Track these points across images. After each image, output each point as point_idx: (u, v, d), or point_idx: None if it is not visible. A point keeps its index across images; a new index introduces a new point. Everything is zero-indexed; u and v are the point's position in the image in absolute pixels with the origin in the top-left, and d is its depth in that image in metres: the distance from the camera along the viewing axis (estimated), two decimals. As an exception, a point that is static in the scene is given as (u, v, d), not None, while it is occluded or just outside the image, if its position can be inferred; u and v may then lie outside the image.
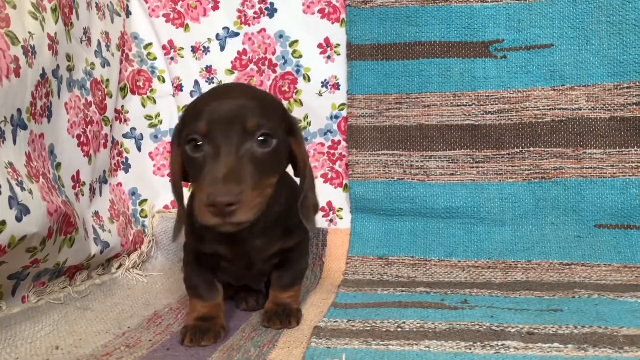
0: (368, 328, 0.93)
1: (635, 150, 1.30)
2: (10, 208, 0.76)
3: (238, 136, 0.77)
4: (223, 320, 0.94)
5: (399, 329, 0.92)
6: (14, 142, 0.86)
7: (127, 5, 1.46)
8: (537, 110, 1.35)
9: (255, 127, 0.78)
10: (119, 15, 1.40)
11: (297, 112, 1.46)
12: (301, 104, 1.46)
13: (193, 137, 0.78)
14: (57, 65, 1.03)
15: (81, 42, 1.17)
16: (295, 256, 1.02)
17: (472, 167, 1.38)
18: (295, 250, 1.01)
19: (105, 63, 1.29)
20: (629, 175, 1.31)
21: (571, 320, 0.95)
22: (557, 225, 1.34)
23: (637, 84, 1.30)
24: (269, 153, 0.79)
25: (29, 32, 0.91)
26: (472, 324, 0.94)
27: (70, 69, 1.11)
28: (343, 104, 1.45)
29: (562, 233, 1.33)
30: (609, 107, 1.32)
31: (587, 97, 1.33)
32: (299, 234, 0.99)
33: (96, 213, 1.19)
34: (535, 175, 1.35)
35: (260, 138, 0.78)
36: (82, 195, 1.13)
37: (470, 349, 0.83)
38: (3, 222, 0.75)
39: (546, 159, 1.35)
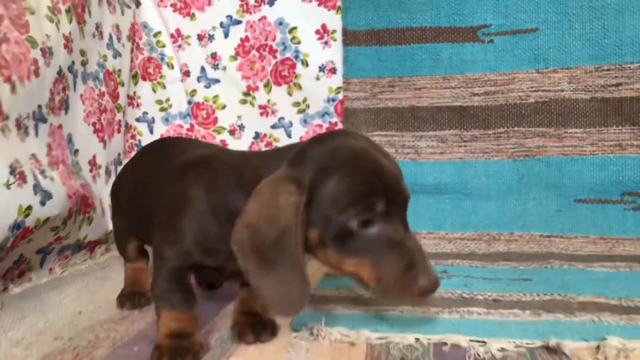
0: (353, 295, 1.04)
1: (613, 129, 1.38)
2: (35, 195, 0.88)
3: (404, 209, 0.75)
4: (200, 337, 0.83)
5: (379, 296, 1.04)
6: (36, 134, 0.98)
7: (137, -4, 1.56)
8: (522, 92, 1.43)
9: (409, 194, 0.76)
10: (129, 7, 1.50)
11: (296, 96, 1.57)
12: (300, 87, 1.56)
13: (367, 217, 0.71)
14: (72, 62, 1.14)
15: (94, 37, 1.28)
16: None
17: (461, 146, 1.48)
18: None
19: (117, 54, 1.40)
20: (607, 153, 1.39)
21: (536, 289, 1.05)
22: (539, 200, 1.43)
23: (617, 66, 1.37)
24: None
25: (47, 35, 1.02)
26: (446, 292, 1.05)
27: (84, 64, 1.22)
28: (339, 88, 1.55)
29: (544, 207, 1.42)
30: (590, 89, 1.40)
31: (570, 79, 1.41)
32: None
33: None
34: (519, 153, 1.44)
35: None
36: (99, 177, 1.26)
37: (438, 313, 0.94)
38: (29, 207, 0.87)
39: (530, 138, 1.43)
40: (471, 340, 0.81)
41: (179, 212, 0.80)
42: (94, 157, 1.25)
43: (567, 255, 1.29)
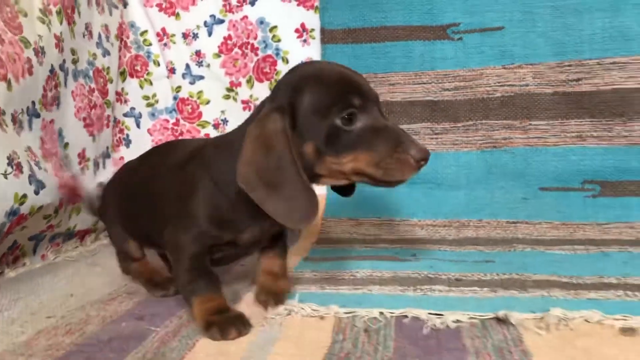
0: (327, 277, 1.12)
1: (574, 121, 1.47)
2: (30, 184, 0.96)
3: (378, 106, 0.83)
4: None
5: (352, 277, 1.12)
6: (30, 129, 1.05)
7: (124, -4, 1.63)
8: (489, 87, 1.52)
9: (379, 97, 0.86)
10: (117, 7, 1.57)
11: (277, 91, 1.64)
12: (281, 83, 1.64)
13: (350, 112, 0.78)
14: (64, 60, 1.21)
15: (84, 37, 1.35)
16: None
17: (432, 138, 1.56)
18: None
19: (105, 53, 1.47)
20: (569, 144, 1.48)
21: (497, 269, 1.13)
22: (506, 188, 1.52)
23: (577, 62, 1.46)
24: None
25: (39, 35, 1.09)
26: (413, 272, 1.13)
27: (75, 62, 1.29)
28: (318, 84, 1.62)
29: (510, 196, 1.51)
30: (553, 84, 1.48)
31: (534, 74, 1.49)
32: None
33: (100, 184, 1.39)
34: (487, 144, 1.53)
35: None
36: (88, 169, 1.33)
37: (403, 291, 1.02)
38: (25, 196, 0.95)
39: (497, 130, 1.52)
40: (430, 314, 0.89)
41: (188, 198, 0.89)
42: (84, 150, 1.32)
43: (530, 240, 1.38)
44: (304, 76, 0.83)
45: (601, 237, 1.37)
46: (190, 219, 0.88)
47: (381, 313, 0.91)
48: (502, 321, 0.87)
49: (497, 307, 0.89)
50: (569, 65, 1.47)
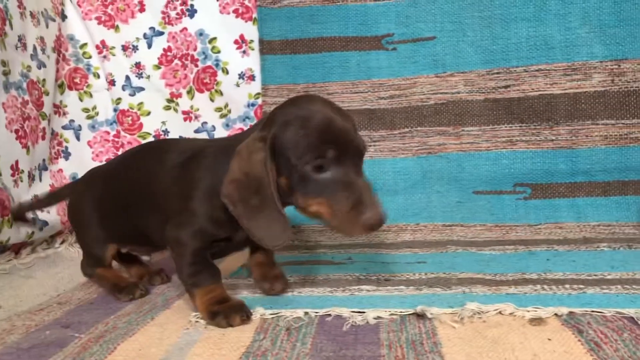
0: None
1: (505, 127, 1.53)
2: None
3: (357, 158, 0.87)
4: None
5: (286, 281, 1.14)
6: (-45, 140, 1.04)
7: (62, 10, 1.62)
8: (423, 95, 1.57)
9: (365, 146, 0.89)
10: (54, 20, 1.57)
11: (218, 102, 1.66)
12: (221, 94, 1.65)
13: (320, 162, 0.83)
14: (-7, 72, 1.21)
15: (16, 49, 1.34)
16: None
17: (370, 145, 1.59)
18: None
19: (41, 65, 1.46)
20: (500, 149, 1.53)
21: (426, 269, 1.17)
22: (442, 193, 1.56)
23: (505, 69, 1.52)
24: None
25: (-36, 47, 1.09)
26: (345, 275, 1.16)
27: (6, 74, 1.28)
28: (258, 94, 1.65)
29: (446, 199, 1.56)
30: (483, 91, 1.54)
31: (465, 82, 1.55)
32: None
33: (35, 196, 1.38)
34: (422, 151, 1.57)
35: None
36: (21, 181, 1.32)
37: (332, 292, 1.04)
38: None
39: (431, 136, 1.56)
40: (352, 312, 0.92)
41: (189, 196, 0.95)
42: (17, 162, 1.31)
43: (464, 241, 1.42)
44: (294, 114, 0.86)
45: (532, 237, 1.43)
46: (191, 216, 0.94)
47: (306, 313, 0.93)
48: (420, 316, 0.90)
49: (418, 304, 0.92)
50: (498, 73, 1.53)
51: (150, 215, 1.04)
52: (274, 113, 0.90)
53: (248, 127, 1.67)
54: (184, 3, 1.63)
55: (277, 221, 0.85)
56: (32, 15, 1.43)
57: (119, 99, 1.67)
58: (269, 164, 0.84)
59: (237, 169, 0.86)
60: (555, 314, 0.86)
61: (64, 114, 1.64)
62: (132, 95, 1.67)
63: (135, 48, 1.66)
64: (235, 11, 1.63)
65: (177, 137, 1.67)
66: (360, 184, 0.85)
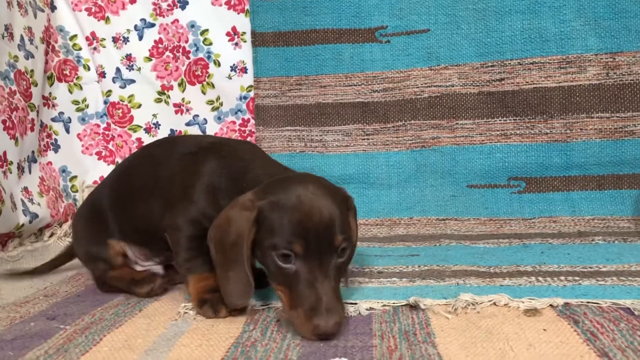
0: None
1: (499, 120, 1.52)
2: None
3: (329, 254, 0.82)
4: None
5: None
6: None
7: (51, 0, 1.60)
8: (417, 87, 1.55)
9: (340, 243, 0.84)
10: (43, 10, 1.55)
11: (210, 94, 1.64)
12: (213, 86, 1.64)
13: (286, 253, 0.82)
14: (-22, 61, 1.18)
15: (3, 38, 1.32)
16: None
17: (364, 139, 1.58)
18: None
19: (29, 55, 1.44)
20: (495, 142, 1.52)
21: (419, 262, 1.16)
22: (436, 186, 1.55)
23: (499, 62, 1.51)
24: (347, 258, 0.88)
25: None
26: (337, 267, 1.14)
27: (-8, 63, 1.26)
28: (250, 86, 1.63)
29: (440, 193, 1.54)
30: (477, 84, 1.53)
31: (459, 75, 1.53)
32: None
33: (25, 188, 1.36)
34: (416, 144, 1.56)
35: (341, 249, 0.84)
36: (10, 172, 1.29)
37: (324, 285, 1.03)
38: None
39: (425, 130, 1.55)
40: (345, 302, 0.90)
41: (191, 185, 0.97)
42: (5, 153, 1.28)
43: (458, 235, 1.41)
44: (284, 197, 0.85)
45: (527, 231, 1.42)
46: (187, 204, 0.96)
47: (297, 304, 0.91)
48: (414, 307, 0.88)
49: (411, 295, 0.90)
50: (492, 66, 1.51)
51: (154, 200, 1.02)
52: (270, 184, 0.89)
53: (240, 121, 1.65)
54: (175, -6, 1.62)
55: (241, 282, 0.85)
56: (19, 4, 1.41)
57: (109, 91, 1.65)
58: (252, 227, 0.84)
59: (225, 219, 0.87)
60: (551, 305, 0.85)
61: (53, 106, 1.62)
62: (122, 87, 1.65)
63: (126, 40, 1.64)
64: (227, 3, 1.61)
65: (170, 130, 1.65)
66: (323, 287, 0.80)
